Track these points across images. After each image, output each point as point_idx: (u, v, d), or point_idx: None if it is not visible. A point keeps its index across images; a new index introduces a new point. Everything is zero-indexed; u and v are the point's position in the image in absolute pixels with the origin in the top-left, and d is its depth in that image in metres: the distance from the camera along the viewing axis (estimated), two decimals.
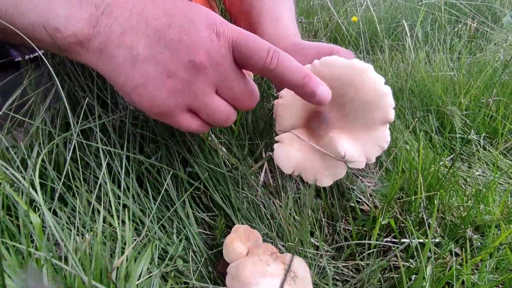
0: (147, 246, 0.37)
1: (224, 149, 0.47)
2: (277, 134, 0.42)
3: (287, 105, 0.40)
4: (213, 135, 0.46)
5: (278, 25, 0.54)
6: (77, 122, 0.40)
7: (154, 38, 0.30)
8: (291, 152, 0.39)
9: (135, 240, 0.37)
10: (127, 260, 0.29)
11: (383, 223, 0.42)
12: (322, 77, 0.37)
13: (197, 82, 0.31)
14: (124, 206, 0.41)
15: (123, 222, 0.38)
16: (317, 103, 0.33)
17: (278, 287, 0.35)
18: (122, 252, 0.34)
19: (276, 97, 0.62)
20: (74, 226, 0.31)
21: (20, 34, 0.29)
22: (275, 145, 0.40)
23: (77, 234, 0.32)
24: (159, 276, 0.34)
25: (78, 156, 0.38)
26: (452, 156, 0.57)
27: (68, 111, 0.35)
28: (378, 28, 1.04)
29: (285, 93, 0.41)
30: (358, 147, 0.37)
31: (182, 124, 0.33)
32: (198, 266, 0.41)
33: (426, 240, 0.40)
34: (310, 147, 0.39)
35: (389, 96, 0.36)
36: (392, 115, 0.36)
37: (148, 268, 0.36)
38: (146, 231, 0.39)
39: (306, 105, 0.40)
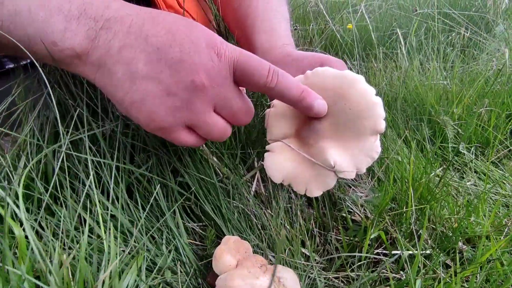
0: (135, 258, 0.36)
1: (215, 159, 0.46)
2: (268, 143, 0.42)
3: (278, 114, 0.40)
4: (204, 145, 0.45)
5: (272, 34, 0.54)
6: (67, 132, 0.40)
7: (154, 56, 0.30)
8: (281, 161, 0.39)
9: (123, 251, 0.36)
10: (111, 275, 0.28)
11: (372, 236, 0.42)
12: (313, 87, 0.37)
13: (196, 101, 0.32)
14: (113, 216, 0.40)
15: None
16: (315, 115, 0.35)
17: None
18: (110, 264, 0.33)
19: (269, 106, 0.62)
20: (60, 238, 0.30)
21: (18, 44, 0.29)
22: (266, 154, 0.40)
23: (63, 247, 0.31)
24: None
25: (66, 166, 0.38)
26: (443, 166, 0.57)
27: (58, 120, 0.34)
28: (373, 36, 1.05)
29: (277, 102, 0.41)
30: (348, 158, 0.37)
31: (179, 139, 0.34)
32: (187, 278, 0.40)
33: (416, 252, 0.40)
34: (300, 156, 0.39)
35: (380, 107, 0.36)
36: (382, 125, 0.36)
37: (135, 281, 0.35)
38: (135, 242, 0.39)
39: (297, 114, 0.40)
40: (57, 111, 0.34)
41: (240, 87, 0.35)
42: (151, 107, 0.31)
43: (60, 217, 0.34)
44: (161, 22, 0.32)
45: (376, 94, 0.37)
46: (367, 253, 0.44)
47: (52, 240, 0.29)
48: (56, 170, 0.36)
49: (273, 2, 0.58)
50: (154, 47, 0.31)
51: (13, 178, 0.35)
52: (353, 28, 1.19)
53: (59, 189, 0.38)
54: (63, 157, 0.38)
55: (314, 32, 1.12)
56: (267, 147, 0.41)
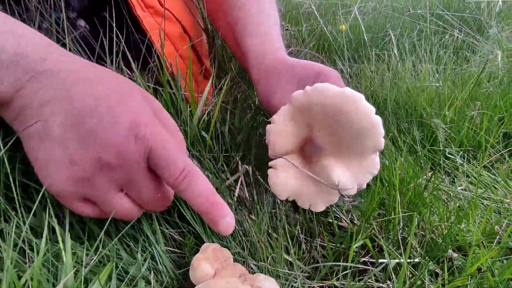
0: (107, 267, 0.34)
1: (195, 162, 0.44)
2: (269, 159, 0.43)
3: (280, 131, 0.41)
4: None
5: (266, 39, 0.52)
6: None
7: (71, 120, 0.29)
8: (285, 178, 0.41)
9: (91, 259, 0.34)
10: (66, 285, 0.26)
11: (357, 245, 0.40)
12: (314, 104, 0.38)
13: (100, 177, 0.30)
14: (85, 223, 0.38)
15: (80, 240, 0.35)
16: (219, 232, 0.33)
17: None
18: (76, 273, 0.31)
19: (257, 108, 0.60)
20: (17, 247, 0.28)
21: None
22: (269, 171, 0.41)
23: (21, 258, 0.29)
24: None
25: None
26: (434, 170, 0.55)
27: None
28: (366, 38, 1.04)
29: (277, 118, 0.41)
30: (350, 175, 0.39)
31: (76, 210, 0.32)
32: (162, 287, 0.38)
33: (402, 260, 0.38)
34: (303, 173, 0.41)
35: (380, 126, 0.37)
36: (382, 143, 0.38)
37: None
38: (106, 250, 0.37)
39: (299, 131, 0.41)
40: None
41: None
42: (51, 171, 0.29)
43: (20, 224, 0.32)
44: (95, 86, 0.30)
45: (376, 113, 0.38)
46: (353, 261, 0.43)
47: (9, 248, 0.27)
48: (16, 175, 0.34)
49: (265, 6, 0.56)
50: (76, 110, 0.29)
51: None
52: (346, 29, 1.18)
53: (17, 195, 0.36)
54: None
55: (306, 33, 1.10)
56: (270, 163, 0.42)
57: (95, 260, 0.34)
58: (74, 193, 0.30)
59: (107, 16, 0.44)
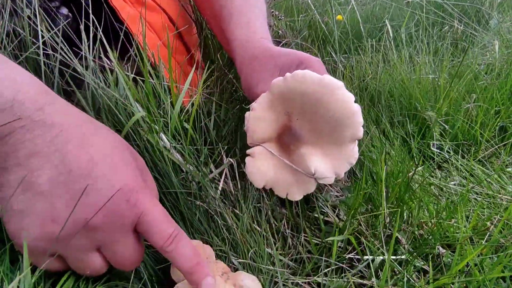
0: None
1: (177, 154, 0.43)
2: (248, 147, 0.42)
3: (259, 118, 0.40)
4: (165, 140, 0.42)
5: (249, 28, 0.51)
6: None
7: (62, 177, 0.28)
8: (262, 166, 0.40)
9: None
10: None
11: (339, 239, 0.39)
12: (293, 91, 0.37)
13: (80, 238, 0.29)
14: None
15: None
16: None
17: None
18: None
19: (245, 99, 0.59)
20: None
21: None
22: (247, 159, 0.41)
23: None
24: None
25: None
26: (422, 165, 0.54)
27: None
28: (362, 28, 1.01)
29: (257, 105, 0.40)
30: (328, 164, 0.39)
31: (39, 264, 0.30)
32: (139, 285, 0.37)
33: (387, 257, 0.37)
34: (281, 162, 0.40)
35: (359, 115, 0.37)
36: (361, 132, 0.38)
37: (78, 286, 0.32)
38: None
39: (278, 119, 0.40)
40: None
41: None
42: (27, 224, 0.28)
43: None
44: (90, 146, 0.30)
45: (355, 101, 0.37)
46: (338, 257, 0.41)
47: None
48: None
49: None
50: (67, 168, 0.28)
51: None
52: (343, 20, 1.15)
53: None
54: None
55: (302, 23, 1.08)
56: (247, 151, 0.41)
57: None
58: (45, 249, 0.29)
59: (85, 5, 0.42)
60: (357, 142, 0.38)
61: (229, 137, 0.52)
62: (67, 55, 0.40)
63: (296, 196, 0.40)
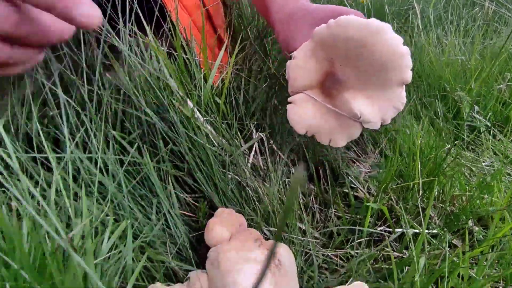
0: (120, 224, 0.35)
1: (209, 127, 0.44)
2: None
3: (300, 66, 0.39)
4: (197, 113, 0.43)
5: None
6: (52, 94, 0.38)
7: None
8: (305, 112, 0.39)
9: (107, 215, 0.35)
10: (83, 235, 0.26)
11: (375, 207, 0.39)
12: (337, 37, 0.36)
13: None
14: (101, 184, 0.38)
15: (97, 200, 0.36)
16: (83, 27, 0.25)
17: (260, 275, 0.33)
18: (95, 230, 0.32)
19: (273, 77, 0.59)
20: (34, 198, 0.29)
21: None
22: (288, 106, 0.40)
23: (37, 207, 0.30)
24: (131, 255, 0.32)
25: (52, 127, 0.36)
26: (455, 142, 0.53)
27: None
28: (387, 10, 0.99)
29: (298, 54, 0.39)
30: (374, 108, 0.37)
31: None
32: (175, 248, 0.39)
33: (421, 230, 0.37)
34: (324, 107, 0.39)
35: (407, 57, 0.34)
36: (409, 76, 0.35)
37: (117, 246, 0.34)
38: (121, 209, 0.37)
39: (320, 66, 0.39)
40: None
41: None
42: None
43: (45, 181, 0.33)
44: None
45: (403, 44, 0.35)
46: (366, 231, 0.42)
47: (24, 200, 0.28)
48: (41, 133, 0.34)
49: None
50: None
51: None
52: (366, 1, 1.12)
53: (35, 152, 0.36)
54: (48, 120, 0.37)
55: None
56: (289, 99, 0.40)
57: (111, 218, 0.34)
58: None
59: None
60: (404, 87, 0.36)
61: (258, 113, 0.53)
62: (106, 29, 0.42)
63: (340, 142, 0.38)
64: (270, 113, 0.53)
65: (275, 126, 0.52)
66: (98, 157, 0.38)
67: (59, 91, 0.37)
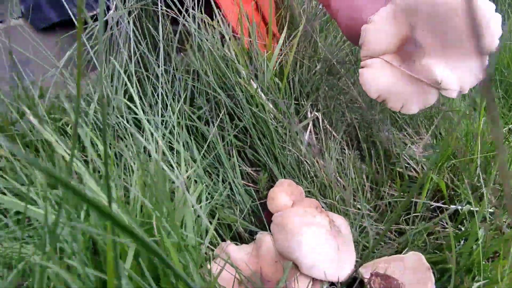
0: (197, 186, 0.39)
1: (271, 105, 0.47)
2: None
3: (377, 30, 0.39)
4: (260, 91, 0.46)
5: None
6: (135, 72, 0.43)
7: None
8: (379, 76, 0.39)
9: (188, 177, 0.39)
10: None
11: (434, 179, 0.40)
12: (421, 2, 0.36)
13: None
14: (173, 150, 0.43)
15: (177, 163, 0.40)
16: None
17: (324, 236, 0.36)
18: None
19: (325, 62, 0.61)
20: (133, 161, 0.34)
21: None
22: (361, 70, 0.40)
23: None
24: (207, 213, 0.36)
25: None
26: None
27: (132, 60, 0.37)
28: None
29: (376, 18, 0.39)
30: (454, 75, 0.36)
31: None
32: (242, 215, 0.43)
33: (478, 207, 0.38)
34: (400, 72, 0.39)
35: (497, 23, 0.34)
36: (496, 44, 0.35)
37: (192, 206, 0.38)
38: (195, 176, 0.42)
39: (399, 31, 0.39)
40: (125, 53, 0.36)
41: None
42: None
43: (127, 145, 0.38)
44: None
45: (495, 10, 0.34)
46: (422, 207, 0.43)
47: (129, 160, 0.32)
48: (122, 105, 0.39)
49: None
50: None
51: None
52: None
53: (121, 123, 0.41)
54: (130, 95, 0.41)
55: None
56: (362, 63, 0.40)
57: (192, 178, 0.38)
58: None
59: None
60: (487, 56, 0.34)
61: (312, 94, 0.55)
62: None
63: (413, 108, 0.38)
64: (324, 95, 0.55)
65: (329, 107, 0.54)
66: (174, 128, 0.42)
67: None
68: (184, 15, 0.45)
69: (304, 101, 0.53)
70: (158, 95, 0.44)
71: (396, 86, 0.38)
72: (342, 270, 0.36)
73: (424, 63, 0.36)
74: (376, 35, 0.38)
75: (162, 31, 0.46)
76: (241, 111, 0.46)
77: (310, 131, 0.52)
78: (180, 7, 0.46)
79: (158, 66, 0.45)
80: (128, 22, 0.45)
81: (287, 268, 0.34)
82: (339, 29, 0.56)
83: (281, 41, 0.47)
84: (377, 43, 0.39)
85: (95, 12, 0.53)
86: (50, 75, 0.44)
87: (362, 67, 0.39)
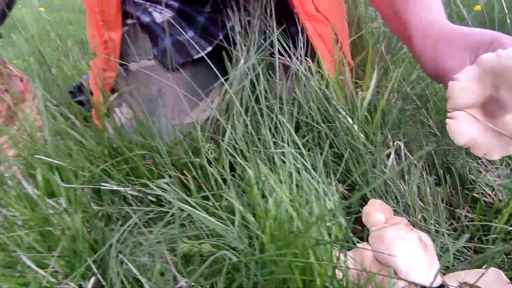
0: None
1: (362, 136, 0.56)
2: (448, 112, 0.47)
3: (463, 88, 0.45)
4: (355, 125, 0.56)
5: (428, 9, 0.52)
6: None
7: None
8: (465, 127, 0.45)
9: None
10: None
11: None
12: (507, 67, 0.41)
13: None
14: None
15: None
16: None
17: (416, 248, 0.45)
18: None
19: (403, 93, 0.68)
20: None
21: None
22: (449, 120, 0.47)
23: None
24: None
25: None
26: None
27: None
28: (508, 18, 0.97)
29: (462, 76, 0.45)
30: None
31: None
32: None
33: None
34: (484, 126, 0.45)
35: None
36: None
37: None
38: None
39: (483, 90, 0.44)
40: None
41: None
42: None
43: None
44: None
45: None
46: (500, 230, 0.50)
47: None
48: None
49: None
50: None
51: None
52: (481, 9, 1.11)
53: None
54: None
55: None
56: (449, 114, 0.47)
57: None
58: None
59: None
60: None
61: (393, 125, 0.63)
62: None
63: (495, 155, 0.44)
64: (404, 125, 0.63)
65: (410, 137, 0.62)
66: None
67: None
68: (294, 61, 0.56)
69: (388, 132, 0.61)
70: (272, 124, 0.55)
71: (481, 137, 0.45)
72: (433, 276, 0.44)
73: (506, 119, 0.43)
74: (461, 93, 0.45)
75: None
76: (339, 140, 0.55)
77: (393, 159, 0.60)
78: (292, 54, 0.57)
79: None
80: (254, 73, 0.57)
81: (391, 274, 0.43)
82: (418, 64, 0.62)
83: (373, 81, 0.56)
84: (462, 99, 0.45)
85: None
86: None
87: (449, 118, 0.47)
